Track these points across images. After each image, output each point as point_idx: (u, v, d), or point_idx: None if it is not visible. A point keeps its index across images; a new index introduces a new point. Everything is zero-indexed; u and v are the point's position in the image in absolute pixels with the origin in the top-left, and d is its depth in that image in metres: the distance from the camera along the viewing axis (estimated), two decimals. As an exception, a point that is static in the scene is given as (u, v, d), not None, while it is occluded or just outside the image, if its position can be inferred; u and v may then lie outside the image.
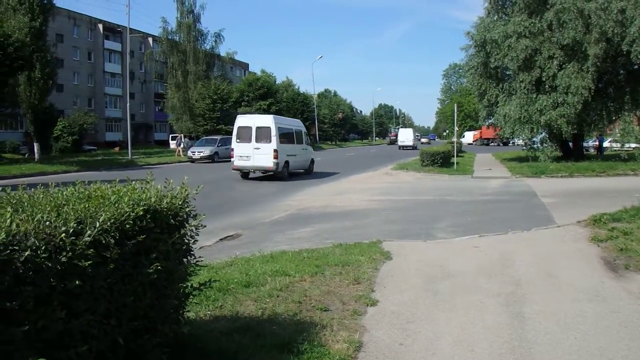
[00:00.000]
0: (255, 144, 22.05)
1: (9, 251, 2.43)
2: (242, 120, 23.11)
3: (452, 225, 11.33)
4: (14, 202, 3.23)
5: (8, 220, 2.59)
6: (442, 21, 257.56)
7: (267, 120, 22.74)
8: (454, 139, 33.42)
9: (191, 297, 4.22)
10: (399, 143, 72.26)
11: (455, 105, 32.29)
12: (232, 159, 22.94)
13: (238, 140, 22.55)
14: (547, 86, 27.08)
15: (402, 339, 4.73)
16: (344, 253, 7.89)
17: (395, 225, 11.43)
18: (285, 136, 23.37)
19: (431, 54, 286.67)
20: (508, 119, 28.13)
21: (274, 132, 21.99)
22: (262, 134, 22.13)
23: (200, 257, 4.25)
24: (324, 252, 8.01)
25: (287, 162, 23.01)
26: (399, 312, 5.43)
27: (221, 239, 9.87)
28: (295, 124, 26.26)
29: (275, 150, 21.81)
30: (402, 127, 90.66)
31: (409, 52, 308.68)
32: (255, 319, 5.00)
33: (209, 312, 5.19)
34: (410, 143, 69.90)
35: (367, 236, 9.55)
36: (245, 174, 23.30)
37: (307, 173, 25.84)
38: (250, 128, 22.42)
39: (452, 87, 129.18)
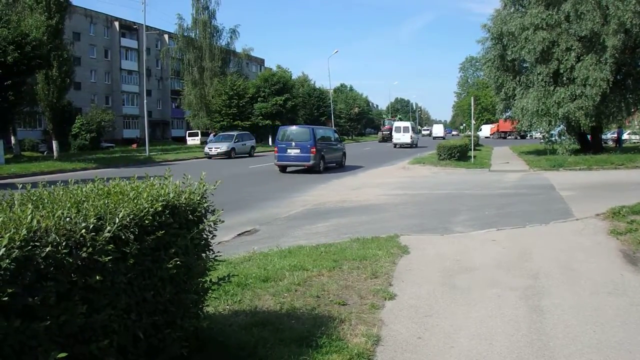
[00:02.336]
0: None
1: (30, 247, 2.46)
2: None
3: (469, 219, 11.26)
4: (34, 199, 3.27)
5: (29, 217, 2.62)
6: (459, 14, 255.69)
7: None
8: (469, 132, 33.18)
9: (210, 291, 4.24)
10: (434, 134, 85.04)
11: (472, 98, 32.01)
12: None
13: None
14: (564, 78, 26.74)
15: (420, 332, 4.72)
16: (362, 247, 7.89)
17: (413, 219, 11.39)
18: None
19: (448, 47, 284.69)
20: (525, 112, 27.83)
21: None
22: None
23: (218, 252, 4.28)
24: (342, 246, 8.02)
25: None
26: (417, 306, 5.42)
27: (239, 234, 9.91)
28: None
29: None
30: (397, 120, 74.18)
31: (425, 46, 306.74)
32: (273, 314, 5.03)
33: (227, 307, 5.23)
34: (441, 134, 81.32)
35: (384, 230, 9.52)
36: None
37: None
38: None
39: (469, 80, 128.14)
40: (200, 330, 4.02)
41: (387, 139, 66.04)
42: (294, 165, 24.70)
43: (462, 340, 4.55)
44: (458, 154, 27.79)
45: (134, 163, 33.76)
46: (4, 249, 2.31)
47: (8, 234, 2.38)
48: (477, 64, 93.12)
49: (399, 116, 74.89)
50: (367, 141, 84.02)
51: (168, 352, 3.46)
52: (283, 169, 24.94)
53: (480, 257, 7.57)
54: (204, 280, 4.02)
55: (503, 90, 30.54)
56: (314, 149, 23.75)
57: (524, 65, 30.21)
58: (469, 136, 35.40)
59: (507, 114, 34.32)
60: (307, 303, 5.32)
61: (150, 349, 3.34)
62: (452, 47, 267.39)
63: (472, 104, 30.66)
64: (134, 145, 59.87)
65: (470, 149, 29.44)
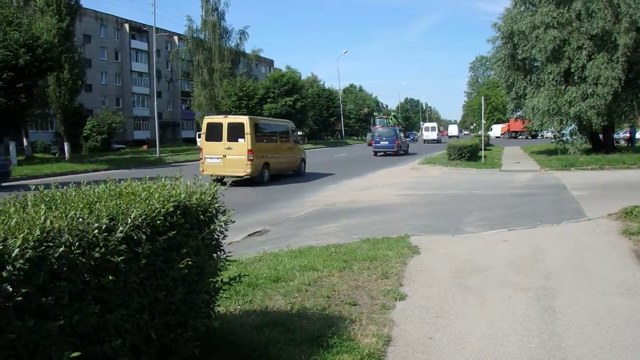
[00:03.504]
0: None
1: (43, 247, 2.48)
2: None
3: (480, 219, 11.22)
4: (47, 200, 3.30)
5: (42, 218, 2.65)
6: (468, 13, 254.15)
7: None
8: (480, 132, 33.04)
9: (221, 291, 4.26)
10: (449, 134, 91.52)
11: (483, 98, 31.79)
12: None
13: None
14: (576, 77, 26.57)
15: (431, 333, 4.71)
16: (372, 248, 7.88)
17: (423, 219, 11.36)
18: None
19: (457, 46, 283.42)
20: (536, 111, 27.67)
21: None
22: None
23: (229, 252, 4.29)
24: (352, 247, 8.02)
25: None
26: (427, 306, 5.41)
27: (249, 235, 9.94)
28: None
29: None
30: (380, 118, 68.06)
31: (435, 45, 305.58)
32: (284, 314, 5.04)
33: (238, 307, 5.24)
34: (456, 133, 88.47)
35: (394, 231, 9.51)
36: None
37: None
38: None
39: (479, 79, 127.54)
40: (211, 330, 4.04)
41: None
42: (384, 151, 39.28)
43: (473, 340, 4.53)
44: (468, 154, 27.69)
45: (145, 164, 33.93)
46: (18, 249, 2.33)
47: (22, 235, 2.40)
48: (488, 63, 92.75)
49: (393, 113, 69.71)
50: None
51: (180, 352, 3.48)
52: (375, 154, 39.24)
53: (491, 257, 7.54)
54: (215, 280, 4.04)
55: (514, 89, 30.39)
56: (397, 142, 39.42)
57: (535, 64, 30.01)
58: (479, 136, 35.22)
59: (518, 113, 34.13)
60: (317, 303, 5.33)
61: (162, 349, 3.36)
62: (462, 46, 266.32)
63: (483, 103, 30.47)
64: (145, 147, 60.12)
65: (481, 149, 29.29)
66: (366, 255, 7.31)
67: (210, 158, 19.53)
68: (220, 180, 14.54)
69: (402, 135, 45.68)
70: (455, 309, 5.35)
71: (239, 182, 17.02)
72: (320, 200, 15.09)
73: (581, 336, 4.59)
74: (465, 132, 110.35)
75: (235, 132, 19.24)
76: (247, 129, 19.03)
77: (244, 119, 19.74)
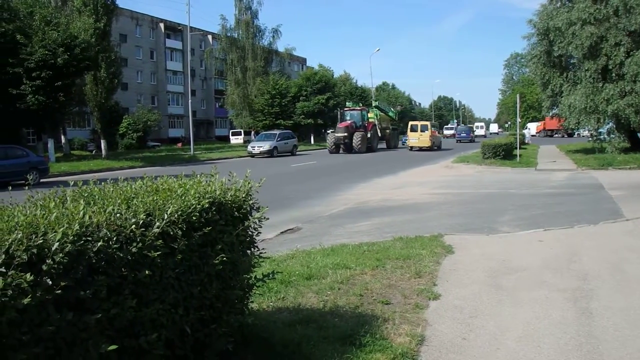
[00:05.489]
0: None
1: (82, 242, 2.52)
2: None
3: (515, 218, 11.04)
4: (85, 195, 3.36)
5: (81, 213, 2.69)
6: (503, 9, 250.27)
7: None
8: (522, 130, 32.48)
9: (255, 288, 4.28)
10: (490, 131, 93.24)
11: (518, 95, 31.22)
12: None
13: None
14: (613, 74, 25.90)
15: (465, 333, 4.65)
16: (405, 247, 7.83)
17: (457, 218, 11.23)
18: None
19: (492, 43, 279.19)
20: (573, 110, 27.09)
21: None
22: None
23: (263, 249, 4.30)
24: (385, 245, 7.98)
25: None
26: (461, 306, 5.34)
27: (282, 232, 9.99)
28: None
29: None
30: (351, 111, 46.59)
31: (468, 42, 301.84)
32: (317, 311, 5.03)
33: (271, 304, 5.26)
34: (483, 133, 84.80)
35: (427, 230, 9.42)
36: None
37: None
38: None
39: (514, 77, 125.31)
40: (245, 326, 4.06)
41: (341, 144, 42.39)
42: (465, 140, 58.24)
43: (508, 342, 4.46)
44: (503, 152, 27.29)
45: (179, 161, 34.39)
46: (58, 243, 2.37)
47: (62, 229, 2.44)
48: (523, 60, 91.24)
49: (375, 102, 52.58)
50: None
51: (214, 347, 3.50)
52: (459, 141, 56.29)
53: (526, 257, 7.40)
54: (248, 276, 4.05)
55: (549, 87, 29.85)
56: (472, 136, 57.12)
57: (571, 61, 29.44)
58: (514, 134, 34.68)
59: (554, 111, 33.56)
60: (350, 301, 5.31)
61: (196, 344, 3.39)
62: (497, 43, 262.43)
63: (518, 101, 29.94)
64: (179, 144, 60.94)
65: (516, 148, 28.82)
66: (399, 254, 7.27)
67: (412, 139, 43.18)
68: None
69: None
70: (490, 309, 5.27)
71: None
72: (352, 198, 15.06)
73: (618, 339, 4.48)
74: (498, 130, 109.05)
75: (424, 128, 43.29)
76: (429, 126, 44.19)
77: (427, 122, 45.41)
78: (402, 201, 14.22)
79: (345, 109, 48.58)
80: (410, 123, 45.98)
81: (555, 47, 27.45)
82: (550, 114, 35.63)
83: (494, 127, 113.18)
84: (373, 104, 52.57)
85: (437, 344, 4.43)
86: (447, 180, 19.69)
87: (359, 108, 47.61)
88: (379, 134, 47.98)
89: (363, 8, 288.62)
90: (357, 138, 41.64)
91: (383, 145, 49.45)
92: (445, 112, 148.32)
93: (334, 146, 42.20)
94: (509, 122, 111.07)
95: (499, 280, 6.29)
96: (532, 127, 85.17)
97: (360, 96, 76.68)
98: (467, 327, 4.78)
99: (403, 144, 53.11)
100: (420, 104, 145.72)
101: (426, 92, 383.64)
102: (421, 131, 42.90)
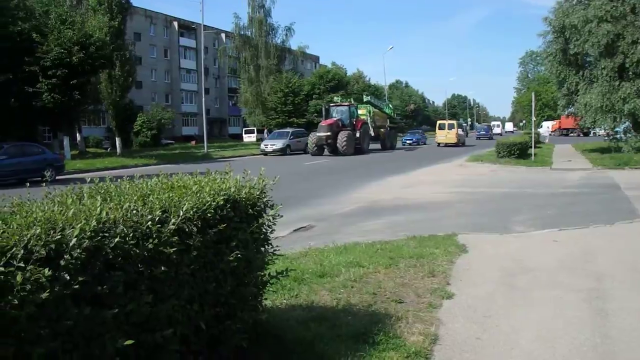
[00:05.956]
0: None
1: (99, 238, 2.55)
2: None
3: (530, 218, 10.97)
4: (102, 192, 3.39)
5: (98, 209, 2.72)
6: (518, 6, 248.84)
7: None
8: (537, 129, 32.25)
9: (268, 285, 4.30)
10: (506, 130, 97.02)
11: (533, 94, 31.02)
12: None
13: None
14: (630, 73, 25.63)
15: (479, 333, 4.63)
16: (418, 245, 7.81)
17: (471, 218, 11.18)
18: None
19: (506, 41, 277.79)
20: (589, 108, 26.87)
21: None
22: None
23: (277, 246, 4.32)
24: (398, 244, 7.96)
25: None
26: (475, 305, 5.32)
27: (295, 230, 10.00)
28: None
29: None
30: (338, 107, 41.18)
31: (483, 40, 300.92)
32: (330, 309, 5.04)
33: (284, 301, 5.28)
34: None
35: (441, 229, 9.39)
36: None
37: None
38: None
39: (529, 75, 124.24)
40: (259, 323, 4.08)
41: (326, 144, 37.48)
42: (484, 137, 62.59)
43: (522, 342, 4.44)
44: (518, 151, 27.13)
45: (193, 159, 34.55)
46: (76, 239, 2.40)
47: (79, 225, 2.47)
48: (538, 58, 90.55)
49: (367, 98, 44.95)
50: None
51: (228, 343, 3.52)
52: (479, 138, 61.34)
53: (541, 257, 7.35)
54: (262, 274, 4.07)
55: (565, 85, 29.66)
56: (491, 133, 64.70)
57: (588, 59, 29.19)
58: (529, 133, 34.45)
59: (570, 110, 33.31)
60: (363, 300, 5.31)
61: (211, 340, 3.41)
62: (512, 41, 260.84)
63: (533, 99, 29.72)
64: (193, 142, 61.17)
65: (531, 146, 28.64)
66: (413, 253, 7.25)
67: (441, 136, 47.96)
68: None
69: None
70: (504, 309, 5.24)
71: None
72: (364, 196, 15.04)
73: (635, 339, 4.44)
74: (509, 130, 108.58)
75: (451, 126, 48.90)
76: (456, 125, 49.91)
77: (454, 122, 51.69)
78: (415, 200, 14.18)
79: (331, 104, 43.43)
80: (439, 122, 51.66)
81: (571, 45, 27.23)
82: (566, 112, 35.35)
83: (509, 126, 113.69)
84: (364, 99, 46.14)
85: (450, 343, 4.41)
86: (461, 179, 19.60)
87: (346, 103, 42.30)
88: (372, 133, 42.67)
89: (376, 5, 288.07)
90: (342, 138, 36.59)
91: (378, 145, 44.52)
92: (459, 110, 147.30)
93: (315, 147, 36.83)
94: (524, 121, 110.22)
95: (513, 280, 6.25)
96: (547, 126, 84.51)
97: (374, 94, 76.53)
98: (481, 327, 4.76)
99: (403, 144, 51.19)
100: (433, 102, 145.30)
101: (440, 90, 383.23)
102: (448, 129, 48.08)
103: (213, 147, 46.35)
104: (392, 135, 47.17)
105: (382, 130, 44.92)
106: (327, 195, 15.60)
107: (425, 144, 54.72)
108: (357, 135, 38.68)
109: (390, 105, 53.54)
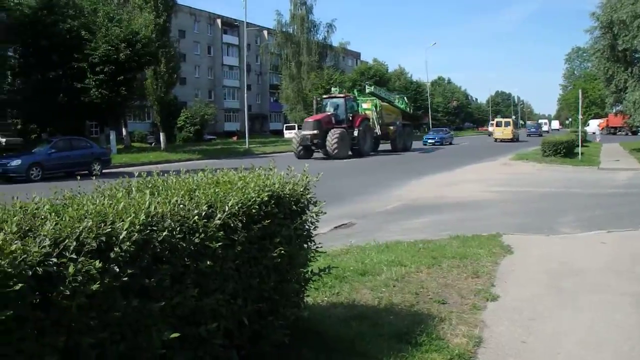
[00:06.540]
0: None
1: (148, 231, 2.59)
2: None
3: (576, 219, 10.68)
4: (150, 186, 3.44)
5: (147, 203, 2.76)
6: (564, 1, 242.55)
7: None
8: (570, 128, 31.42)
9: (310, 282, 4.29)
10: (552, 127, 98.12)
11: (580, 91, 30.20)
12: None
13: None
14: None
15: (524, 336, 4.52)
16: (462, 245, 7.69)
17: (515, 217, 10.95)
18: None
19: (552, 37, 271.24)
20: (638, 106, 26.03)
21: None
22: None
23: (319, 243, 4.31)
24: (440, 243, 7.86)
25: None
26: (520, 308, 5.20)
27: (336, 227, 9.98)
28: None
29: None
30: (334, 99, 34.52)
31: (528, 36, 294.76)
32: (371, 308, 5.01)
33: (325, 299, 5.27)
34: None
35: (485, 229, 9.22)
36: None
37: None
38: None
39: (576, 72, 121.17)
40: (300, 320, 4.08)
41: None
42: (534, 134, 65.95)
43: (569, 346, 4.32)
44: (564, 150, 26.46)
45: (235, 155, 34.93)
46: (125, 232, 2.44)
47: (129, 218, 2.51)
48: (585, 54, 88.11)
49: (370, 88, 36.87)
50: (464, 136, 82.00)
51: (270, 339, 3.54)
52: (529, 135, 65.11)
53: (588, 259, 7.15)
54: (305, 270, 4.07)
55: (613, 82, 28.81)
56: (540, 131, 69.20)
57: (637, 55, 28.30)
58: (576, 131, 33.61)
59: (618, 108, 32.33)
60: (405, 299, 5.26)
61: (253, 335, 3.43)
62: (557, 36, 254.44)
63: (580, 97, 28.92)
64: (234, 138, 61.81)
65: (577, 145, 27.91)
66: (456, 253, 7.15)
67: (498, 132, 52.37)
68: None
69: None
70: (550, 312, 5.11)
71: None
72: (405, 194, 14.92)
73: (688, 347, 4.26)
74: (555, 128, 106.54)
75: (507, 124, 53.28)
76: (511, 122, 55.65)
77: (510, 119, 58.38)
78: (458, 198, 13.97)
79: (325, 96, 36.91)
80: (496, 120, 59.14)
81: (620, 40, 26.42)
82: (614, 110, 34.32)
83: (555, 124, 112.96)
84: (366, 89, 37.91)
85: (494, 346, 4.33)
86: (505, 178, 19.24)
87: (341, 95, 34.67)
88: (378, 131, 35.81)
89: (418, 1, 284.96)
90: (332, 137, 29.92)
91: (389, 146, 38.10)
92: (502, 107, 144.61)
93: (301, 148, 30.61)
94: (570, 119, 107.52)
95: (559, 282, 6.09)
96: (594, 124, 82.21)
97: (415, 91, 75.85)
98: (526, 330, 4.65)
99: (425, 144, 46.03)
100: (476, 99, 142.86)
101: (482, 87, 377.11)
102: (505, 126, 53.27)
103: (254, 143, 46.74)
104: (405, 133, 39.56)
105: (391, 128, 37.49)
106: (368, 192, 15.54)
107: (451, 143, 49.79)
108: (355, 133, 32.20)
109: (405, 98, 45.87)
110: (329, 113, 32.57)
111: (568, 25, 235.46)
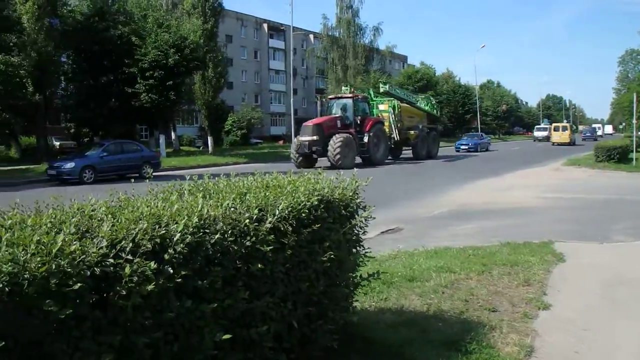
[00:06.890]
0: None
1: (201, 234, 2.63)
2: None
3: (632, 227, 10.28)
4: (201, 189, 3.50)
5: (200, 206, 2.80)
6: (616, 2, 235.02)
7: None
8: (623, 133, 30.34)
9: (359, 287, 4.27)
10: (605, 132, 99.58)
11: (634, 94, 29.14)
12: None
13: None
14: None
15: (577, 346, 4.39)
16: (512, 252, 7.52)
17: (567, 225, 10.64)
18: None
19: (604, 39, 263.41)
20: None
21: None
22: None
23: (368, 248, 4.29)
24: (490, 250, 7.71)
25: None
26: (573, 318, 5.06)
27: (383, 232, 9.91)
28: None
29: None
30: (340, 99, 29.78)
31: (579, 38, 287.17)
32: (420, 314, 4.95)
33: (374, 304, 5.24)
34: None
35: (535, 235, 8.99)
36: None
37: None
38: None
39: (630, 75, 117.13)
40: (349, 325, 4.06)
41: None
42: (589, 139, 67.05)
43: (622, 358, 4.20)
44: (618, 155, 25.62)
45: (281, 159, 35.14)
46: (179, 234, 2.49)
47: (183, 221, 2.55)
48: (639, 57, 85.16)
49: (384, 87, 30.28)
50: (514, 140, 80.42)
51: (319, 343, 3.53)
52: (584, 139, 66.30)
53: (644, 269, 6.89)
54: (354, 275, 4.06)
55: (671, 85, 27.64)
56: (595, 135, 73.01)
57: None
58: (630, 136, 32.46)
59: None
60: (454, 306, 5.18)
61: (302, 339, 3.43)
62: (610, 39, 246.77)
63: (634, 100, 27.89)
64: (281, 142, 62.26)
65: (632, 150, 26.94)
66: (506, 260, 7.00)
67: (556, 137, 55.59)
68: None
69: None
70: (604, 323, 4.95)
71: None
72: (454, 199, 14.71)
73: None
74: (608, 133, 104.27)
75: (564, 128, 57.90)
76: (569, 127, 58.88)
77: (567, 124, 62.29)
78: (508, 204, 13.68)
79: (330, 97, 32.70)
80: (554, 125, 62.62)
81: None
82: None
83: (608, 129, 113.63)
84: (381, 89, 32.34)
85: (546, 355, 4.22)
86: (556, 184, 18.72)
87: (349, 95, 29.92)
88: (396, 137, 31.48)
89: (467, 2, 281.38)
90: (334, 144, 25.76)
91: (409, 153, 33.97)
92: (554, 111, 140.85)
93: (299, 156, 26.84)
94: (624, 123, 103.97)
95: (613, 292, 5.90)
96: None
97: (464, 94, 74.72)
98: (579, 340, 4.52)
99: (457, 150, 42.74)
100: (527, 102, 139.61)
101: (532, 90, 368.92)
102: (562, 131, 56.78)
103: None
104: (430, 139, 35.00)
105: (412, 132, 32.95)
106: (415, 197, 15.40)
107: (487, 150, 45.93)
108: (365, 139, 27.93)
109: (432, 99, 41.28)
110: (333, 116, 28.53)
111: (619, 27, 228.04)
